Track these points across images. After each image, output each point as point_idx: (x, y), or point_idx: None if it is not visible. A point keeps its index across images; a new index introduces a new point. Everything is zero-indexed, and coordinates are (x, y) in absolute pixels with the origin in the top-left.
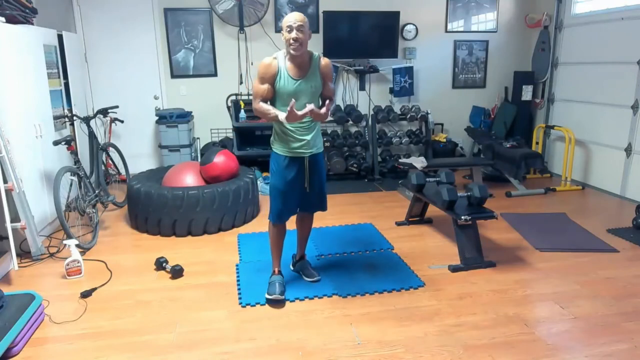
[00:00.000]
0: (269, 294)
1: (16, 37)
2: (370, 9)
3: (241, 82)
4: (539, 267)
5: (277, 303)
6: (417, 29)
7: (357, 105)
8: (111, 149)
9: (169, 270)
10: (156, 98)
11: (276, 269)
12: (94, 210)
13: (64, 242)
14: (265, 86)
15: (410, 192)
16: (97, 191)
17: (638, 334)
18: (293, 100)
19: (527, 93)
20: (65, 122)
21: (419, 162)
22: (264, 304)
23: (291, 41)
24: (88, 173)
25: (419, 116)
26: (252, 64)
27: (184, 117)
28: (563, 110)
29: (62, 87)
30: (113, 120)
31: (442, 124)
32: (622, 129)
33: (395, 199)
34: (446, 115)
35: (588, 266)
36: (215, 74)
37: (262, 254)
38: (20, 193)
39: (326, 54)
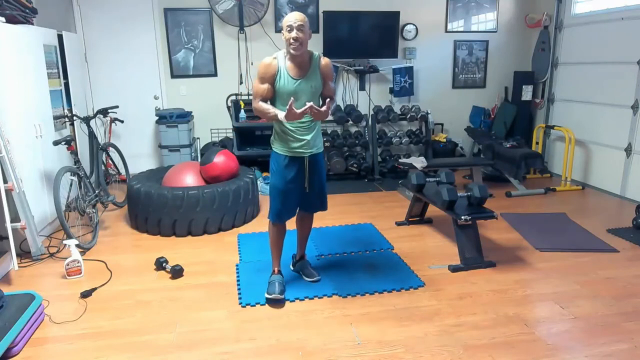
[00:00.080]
0: (268, 293)
1: (16, 37)
2: (370, 9)
3: (241, 82)
4: (539, 267)
5: (276, 302)
6: (417, 29)
7: (357, 105)
8: (111, 149)
9: (169, 270)
10: (156, 98)
11: (276, 269)
12: (94, 210)
13: (64, 242)
14: (265, 86)
15: (410, 192)
16: (97, 191)
17: (638, 334)
18: (292, 98)
19: (527, 93)
20: (65, 122)
21: (419, 162)
22: (264, 304)
23: (291, 41)
24: (88, 173)
25: (419, 116)
26: (252, 64)
27: (184, 117)
28: (563, 110)
29: (62, 87)
30: (113, 120)
31: (442, 124)
32: (622, 129)
33: (395, 199)
34: (446, 115)
35: (588, 266)
36: (215, 74)
37: (262, 254)
38: (20, 193)
39: (326, 53)
